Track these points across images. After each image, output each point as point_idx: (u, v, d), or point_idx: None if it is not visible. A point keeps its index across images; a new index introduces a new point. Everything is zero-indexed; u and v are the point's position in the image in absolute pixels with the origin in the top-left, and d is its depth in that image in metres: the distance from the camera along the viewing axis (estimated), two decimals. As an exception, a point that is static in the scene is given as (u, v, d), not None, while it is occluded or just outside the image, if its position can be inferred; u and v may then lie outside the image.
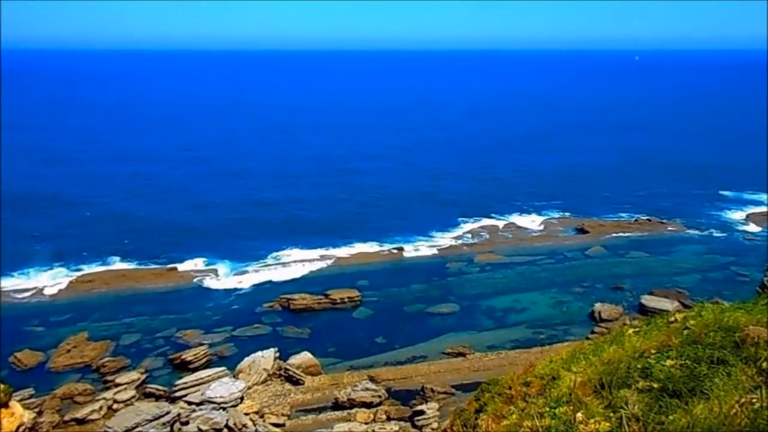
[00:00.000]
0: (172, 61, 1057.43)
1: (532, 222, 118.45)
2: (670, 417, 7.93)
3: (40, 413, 57.80)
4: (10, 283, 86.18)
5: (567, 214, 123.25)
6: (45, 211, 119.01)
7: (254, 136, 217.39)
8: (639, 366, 10.37)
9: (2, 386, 49.85)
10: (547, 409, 9.87)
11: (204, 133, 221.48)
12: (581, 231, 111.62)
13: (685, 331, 11.92)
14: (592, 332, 71.28)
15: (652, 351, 11.36)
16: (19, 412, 50.33)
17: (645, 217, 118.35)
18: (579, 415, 8.92)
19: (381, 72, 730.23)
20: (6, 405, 48.87)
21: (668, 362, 10.28)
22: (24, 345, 68.81)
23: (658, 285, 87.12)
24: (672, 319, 14.78)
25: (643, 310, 76.22)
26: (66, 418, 57.68)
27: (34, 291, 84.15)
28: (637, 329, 15.81)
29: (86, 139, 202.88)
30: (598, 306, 79.70)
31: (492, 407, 13.90)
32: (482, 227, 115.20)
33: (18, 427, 50.06)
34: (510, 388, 13.95)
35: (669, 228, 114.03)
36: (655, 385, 9.34)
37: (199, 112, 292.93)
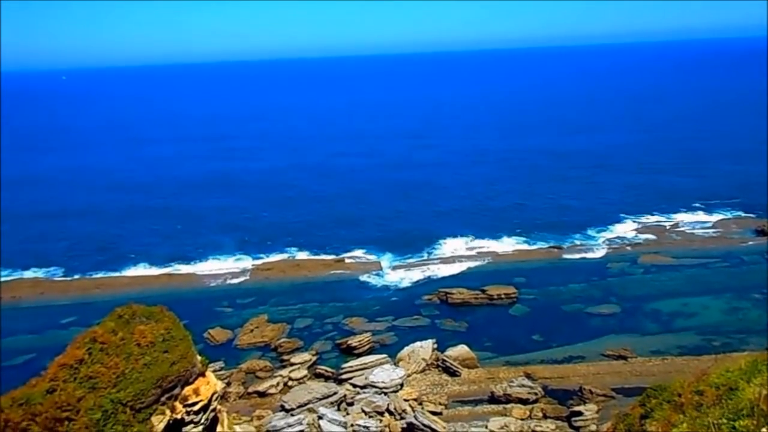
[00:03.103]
0: (203, 74, 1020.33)
1: (702, 222, 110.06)
2: None
3: (228, 384, 64.56)
4: (204, 267, 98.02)
5: (743, 213, 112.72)
6: (228, 207, 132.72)
7: (396, 142, 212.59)
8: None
9: (200, 358, 57.30)
10: (725, 420, 9.31)
11: (344, 139, 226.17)
12: (762, 233, 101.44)
13: None
14: (774, 343, 65.46)
15: None
16: (213, 381, 57.28)
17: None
18: (764, 430, 8.31)
19: (459, 74, 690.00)
20: (203, 374, 56.13)
21: None
22: (216, 323, 77.64)
23: None
24: None
25: (838, 322, 68.43)
26: (249, 390, 63.83)
27: (223, 276, 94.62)
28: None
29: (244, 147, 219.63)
30: (781, 315, 72.73)
31: (660, 414, 13.93)
32: (646, 226, 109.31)
33: (212, 395, 57.28)
34: (680, 395, 13.69)
35: None
36: None
37: (325, 116, 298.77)
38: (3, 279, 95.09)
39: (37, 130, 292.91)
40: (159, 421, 30.82)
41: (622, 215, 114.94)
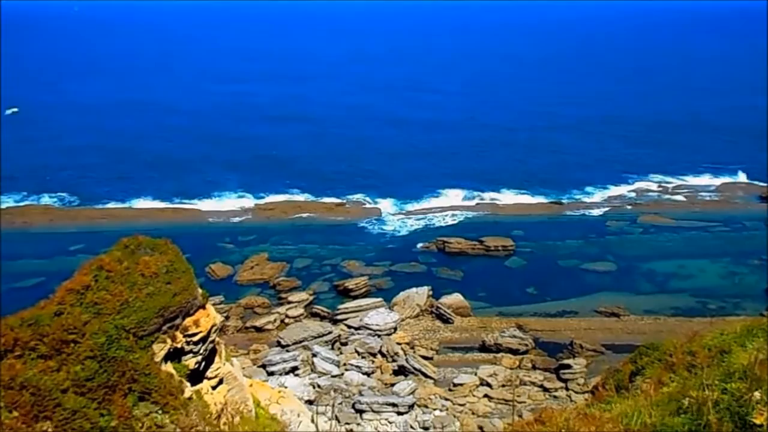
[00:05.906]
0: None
1: (706, 185, 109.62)
2: None
3: (227, 318, 65.69)
4: (208, 204, 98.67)
5: (749, 179, 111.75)
6: (236, 147, 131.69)
7: (400, 93, 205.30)
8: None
9: (201, 291, 58.39)
10: (717, 382, 9.14)
11: (360, 83, 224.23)
12: (766, 199, 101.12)
13: None
14: (768, 309, 66.16)
15: None
16: (213, 314, 58.26)
17: None
18: (756, 394, 8.16)
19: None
20: (204, 307, 57.26)
21: None
22: (217, 258, 78.45)
23: None
24: None
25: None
26: (247, 325, 65.50)
27: (226, 214, 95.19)
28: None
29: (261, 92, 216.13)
30: (777, 281, 72.89)
31: (651, 372, 13.88)
32: (649, 186, 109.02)
33: (211, 327, 58.68)
34: (672, 355, 13.57)
35: None
36: None
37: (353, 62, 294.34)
38: (16, 204, 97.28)
39: (48, 58, 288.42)
40: (160, 349, 31.67)
41: (625, 174, 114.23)
